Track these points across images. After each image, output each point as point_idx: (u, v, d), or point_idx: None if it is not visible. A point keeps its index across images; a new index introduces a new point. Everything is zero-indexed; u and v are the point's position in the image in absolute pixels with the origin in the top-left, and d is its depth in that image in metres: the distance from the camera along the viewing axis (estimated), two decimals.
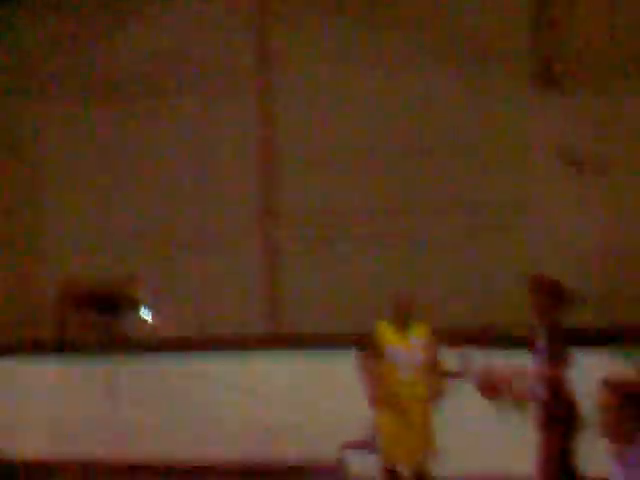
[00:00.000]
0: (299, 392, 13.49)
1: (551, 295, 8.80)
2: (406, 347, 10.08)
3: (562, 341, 8.74)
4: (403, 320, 10.20)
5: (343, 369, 11.38)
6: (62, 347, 16.24)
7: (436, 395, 10.06)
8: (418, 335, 10.21)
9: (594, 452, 8.14)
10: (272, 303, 17.26)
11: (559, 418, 8.63)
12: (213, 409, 14.09)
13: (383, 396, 9.98)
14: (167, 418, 14.26)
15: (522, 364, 8.99)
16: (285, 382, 13.70)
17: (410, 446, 9.93)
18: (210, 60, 17.94)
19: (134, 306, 16.95)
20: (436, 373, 10.07)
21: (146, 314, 17.11)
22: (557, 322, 8.80)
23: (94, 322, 16.94)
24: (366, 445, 10.64)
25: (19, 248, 19.20)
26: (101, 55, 18.67)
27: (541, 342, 8.87)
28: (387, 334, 10.21)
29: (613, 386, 5.63)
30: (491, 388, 8.81)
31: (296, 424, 13.22)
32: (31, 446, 14.78)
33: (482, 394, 8.88)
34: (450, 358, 11.30)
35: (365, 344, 10.21)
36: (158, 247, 17.94)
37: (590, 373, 9.76)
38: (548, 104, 15.44)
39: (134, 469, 14.00)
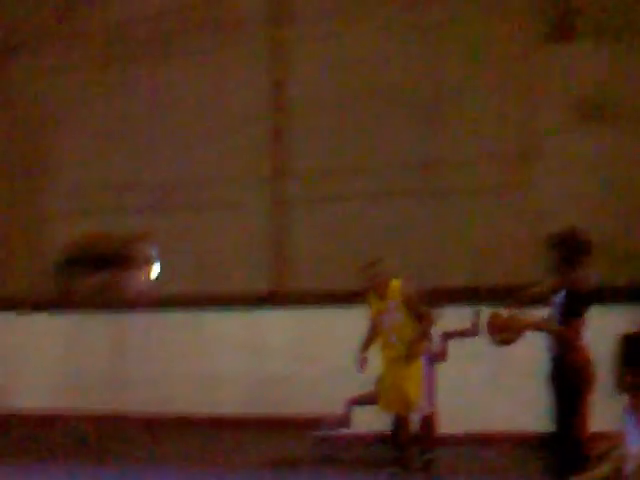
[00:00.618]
0: (302, 347, 13.26)
1: (569, 248, 8.30)
2: (386, 311, 10.22)
3: (580, 298, 8.25)
4: (377, 289, 10.31)
5: (347, 325, 11.44)
6: (67, 304, 15.99)
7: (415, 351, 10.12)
8: (393, 297, 10.24)
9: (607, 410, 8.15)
10: (279, 261, 17.04)
11: (573, 376, 8.17)
12: (217, 364, 13.77)
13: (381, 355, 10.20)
14: (171, 372, 13.96)
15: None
16: (288, 338, 13.46)
17: (399, 401, 10.00)
18: (220, 15, 17.59)
19: (140, 263, 16.70)
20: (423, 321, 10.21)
21: (152, 271, 16.88)
22: (575, 278, 8.28)
23: (98, 280, 16.77)
24: (369, 400, 10.64)
25: (24, 206, 19.05)
26: (114, 12, 18.31)
27: (558, 299, 8.36)
28: (373, 302, 10.38)
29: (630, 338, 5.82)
30: (501, 327, 8.39)
31: (299, 379, 13.01)
32: (37, 399, 14.52)
33: (491, 333, 8.47)
34: (461, 316, 11.16)
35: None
36: (165, 204, 17.78)
37: (608, 331, 9.48)
38: (561, 55, 14.95)
39: (138, 422, 13.69)
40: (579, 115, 14.76)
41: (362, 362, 10.12)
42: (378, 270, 10.28)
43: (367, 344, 10.21)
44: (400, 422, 9.95)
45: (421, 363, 10.14)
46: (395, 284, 10.24)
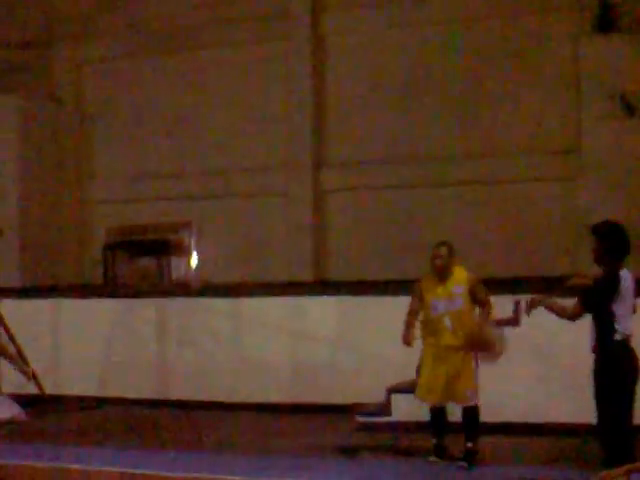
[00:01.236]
0: (344, 335, 13.20)
1: (611, 239, 8.17)
2: (446, 296, 9.70)
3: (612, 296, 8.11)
4: (441, 271, 9.78)
5: (388, 314, 11.28)
6: (112, 291, 16.02)
7: (481, 341, 9.73)
8: (458, 283, 9.75)
9: None
10: (321, 249, 17.03)
11: (615, 368, 8.05)
12: (260, 351, 13.75)
13: (425, 342, 9.82)
14: (213, 359, 13.97)
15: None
16: (330, 326, 13.40)
17: (447, 391, 9.72)
18: (262, 8, 17.65)
19: (182, 251, 16.71)
20: (482, 318, 9.76)
21: (195, 259, 16.87)
22: (616, 269, 8.15)
23: (142, 266, 16.80)
24: (409, 388, 10.40)
25: (71, 194, 19.13)
26: (156, 3, 18.49)
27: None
28: (429, 286, 9.88)
29: None
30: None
31: (341, 366, 12.96)
32: (83, 384, 14.54)
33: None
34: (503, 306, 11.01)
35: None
36: (209, 194, 17.79)
37: None
38: (605, 46, 14.78)
39: (181, 407, 13.70)
40: (618, 109, 14.61)
41: (409, 338, 9.74)
42: (444, 252, 9.74)
43: (412, 324, 9.78)
44: (441, 411, 9.84)
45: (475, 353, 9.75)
46: (460, 270, 9.80)
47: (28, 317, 14.24)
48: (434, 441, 9.83)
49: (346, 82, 17.27)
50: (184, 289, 15.78)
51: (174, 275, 16.62)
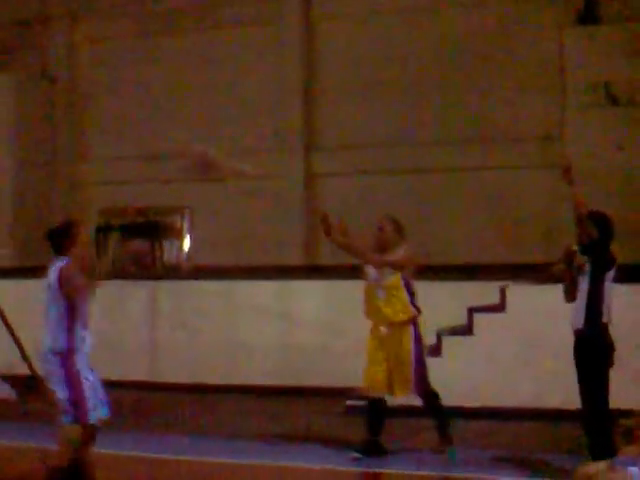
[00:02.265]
0: (332, 319, 13.21)
1: (607, 227, 8.25)
2: (383, 276, 9.40)
3: (604, 276, 8.18)
4: (383, 248, 9.50)
5: None
6: (103, 273, 15.89)
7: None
8: (392, 256, 9.44)
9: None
10: (310, 233, 17.00)
11: (593, 352, 8.12)
12: (248, 333, 13.76)
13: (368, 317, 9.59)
14: (202, 341, 13.97)
15: None
16: (319, 309, 13.41)
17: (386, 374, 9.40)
18: None
19: (176, 234, 16.66)
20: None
21: (188, 242, 16.84)
22: (602, 256, 8.22)
23: (134, 248, 16.72)
24: None
25: (64, 174, 19.06)
26: None
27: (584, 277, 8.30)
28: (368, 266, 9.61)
29: None
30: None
31: (329, 350, 12.97)
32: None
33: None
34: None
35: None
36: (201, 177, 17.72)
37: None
38: (588, 37, 14.78)
39: (171, 389, 13.72)
40: (602, 99, 14.61)
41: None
42: (385, 224, 9.55)
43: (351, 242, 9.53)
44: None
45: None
46: (399, 247, 9.46)
47: (20, 298, 14.19)
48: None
49: (336, 66, 17.25)
50: (176, 272, 15.76)
51: (166, 258, 16.59)
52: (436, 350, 11.88)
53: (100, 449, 8.11)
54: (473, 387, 11.30)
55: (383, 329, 9.45)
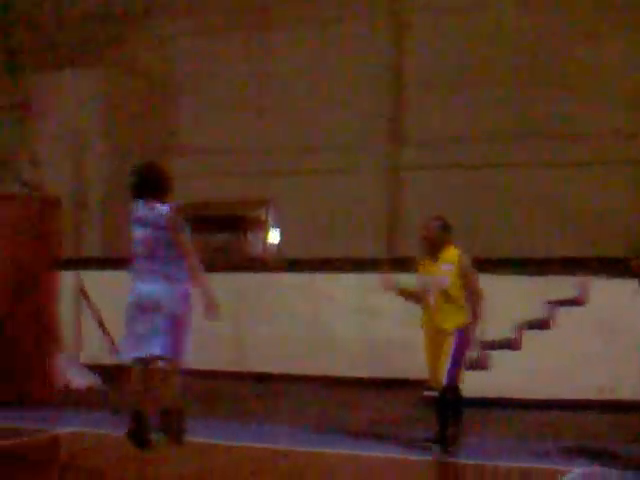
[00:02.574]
0: (412, 312, 13.21)
1: None
2: (435, 274, 9.22)
3: None
4: (432, 249, 9.32)
5: None
6: None
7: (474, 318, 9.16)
8: (448, 261, 9.22)
9: None
10: (392, 226, 17.05)
11: None
12: (329, 326, 13.89)
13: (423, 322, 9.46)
14: (285, 333, 14.15)
15: None
16: (399, 303, 13.44)
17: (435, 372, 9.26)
18: None
19: (258, 226, 16.82)
20: (474, 297, 9.16)
21: (270, 234, 16.99)
22: None
23: (218, 241, 16.92)
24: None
25: None
26: None
27: None
28: (421, 265, 9.50)
29: None
30: None
31: (409, 343, 12.99)
32: None
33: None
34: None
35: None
36: (286, 170, 17.82)
37: None
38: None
39: (257, 380, 14.00)
40: None
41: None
42: (433, 226, 9.25)
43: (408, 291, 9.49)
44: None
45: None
46: (453, 249, 9.21)
47: (108, 287, 14.49)
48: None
49: (423, 60, 17.21)
50: (261, 265, 15.91)
51: (250, 251, 16.75)
52: (515, 343, 11.89)
53: (195, 437, 8.32)
54: (552, 379, 11.29)
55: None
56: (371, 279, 13.94)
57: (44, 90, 18.91)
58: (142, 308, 8.05)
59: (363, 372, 13.53)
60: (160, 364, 8.05)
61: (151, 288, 8.05)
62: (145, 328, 8.00)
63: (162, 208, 8.13)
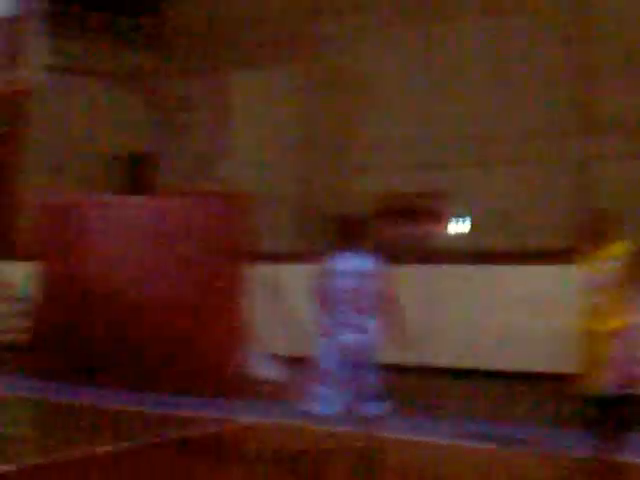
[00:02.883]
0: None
1: None
2: (599, 270, 8.33)
3: None
4: (599, 243, 8.42)
5: None
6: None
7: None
8: (615, 256, 8.34)
9: None
10: (582, 218, 16.68)
11: None
12: (514, 319, 13.87)
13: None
14: (471, 326, 14.15)
15: None
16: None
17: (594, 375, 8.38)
18: None
19: (440, 218, 16.80)
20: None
21: (451, 226, 16.94)
22: None
23: (405, 232, 17.00)
24: None
25: (331, 161, 19.46)
26: None
27: None
28: (585, 260, 8.59)
29: None
30: None
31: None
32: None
33: None
34: None
35: None
36: (471, 162, 17.75)
37: None
38: None
39: (440, 373, 14.06)
40: None
41: None
42: (601, 218, 8.51)
43: None
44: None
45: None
46: (621, 243, 8.29)
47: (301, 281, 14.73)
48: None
49: (612, 45, 16.83)
50: (446, 256, 15.89)
51: (435, 242, 16.75)
52: None
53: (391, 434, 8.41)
54: None
55: None
56: (556, 270, 13.80)
57: (240, 88, 19.39)
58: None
59: (547, 367, 13.35)
60: None
61: None
62: None
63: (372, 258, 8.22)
